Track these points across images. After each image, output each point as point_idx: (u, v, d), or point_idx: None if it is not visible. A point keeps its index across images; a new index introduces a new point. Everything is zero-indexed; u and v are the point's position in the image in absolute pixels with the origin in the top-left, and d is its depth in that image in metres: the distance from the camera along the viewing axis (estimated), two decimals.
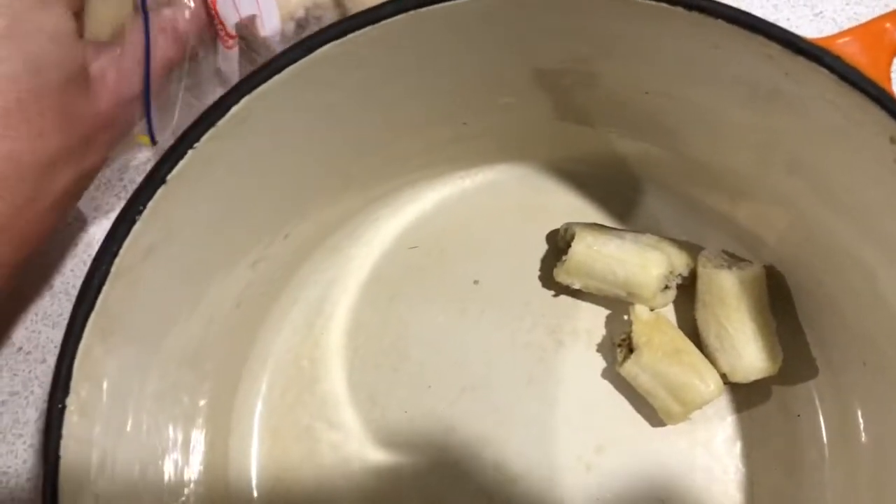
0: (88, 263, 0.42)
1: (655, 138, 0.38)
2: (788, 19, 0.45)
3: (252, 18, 0.36)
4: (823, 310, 0.37)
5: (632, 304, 0.38)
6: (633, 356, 0.37)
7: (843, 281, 0.35)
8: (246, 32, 0.36)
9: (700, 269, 0.38)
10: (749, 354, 0.36)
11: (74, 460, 0.27)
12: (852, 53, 0.27)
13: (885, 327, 0.33)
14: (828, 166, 0.31)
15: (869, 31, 0.27)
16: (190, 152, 0.27)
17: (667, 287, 0.38)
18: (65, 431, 0.26)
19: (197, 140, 0.27)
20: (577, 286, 0.39)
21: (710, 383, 0.36)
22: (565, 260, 0.38)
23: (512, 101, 0.36)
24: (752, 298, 0.37)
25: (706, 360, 0.37)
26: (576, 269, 0.38)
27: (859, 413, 0.37)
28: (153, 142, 0.37)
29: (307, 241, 0.39)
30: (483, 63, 0.33)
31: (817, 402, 0.38)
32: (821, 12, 0.45)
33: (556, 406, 0.39)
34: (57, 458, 0.25)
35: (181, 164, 0.27)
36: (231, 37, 0.36)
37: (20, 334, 0.43)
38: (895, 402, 0.35)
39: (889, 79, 0.27)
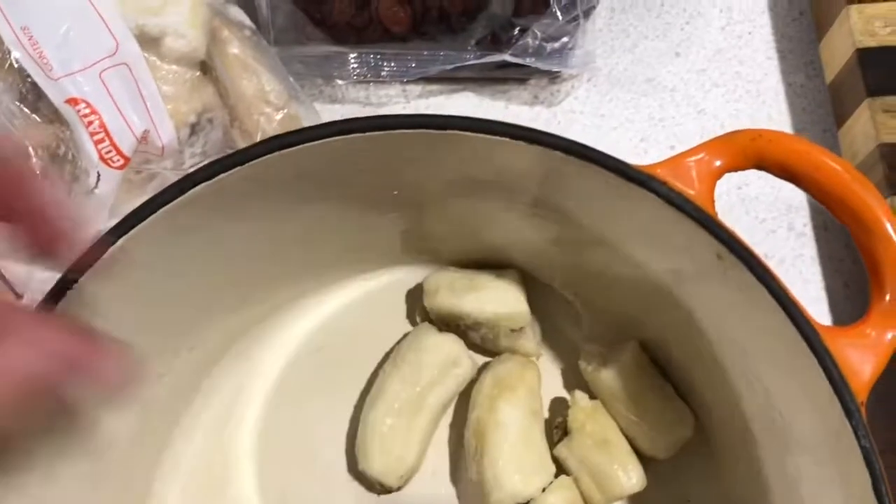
0: None
1: (534, 244, 0.41)
2: (673, 117, 0.48)
3: (146, 133, 0.38)
4: (695, 393, 0.39)
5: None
6: (565, 440, 0.39)
7: (707, 365, 0.37)
8: (139, 148, 0.39)
9: (586, 375, 0.40)
10: (661, 431, 0.39)
11: None
12: (679, 179, 0.30)
13: (750, 410, 0.36)
14: (676, 269, 0.33)
15: (690, 158, 0.30)
16: (69, 292, 0.29)
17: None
18: None
19: (75, 281, 0.29)
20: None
21: (632, 476, 0.38)
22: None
23: (400, 215, 0.38)
24: (639, 380, 0.39)
25: (633, 455, 0.39)
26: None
27: (741, 498, 0.39)
28: (17, 295, 0.39)
29: (213, 350, 0.41)
30: (357, 190, 0.35)
31: (706, 487, 0.40)
32: (703, 110, 0.48)
33: (457, 499, 0.41)
34: None
35: (62, 303, 0.29)
36: (125, 157, 0.38)
37: None
38: (776, 482, 0.37)
39: (712, 202, 0.30)
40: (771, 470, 0.36)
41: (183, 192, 0.30)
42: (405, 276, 0.44)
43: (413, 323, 0.44)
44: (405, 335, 0.43)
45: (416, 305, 0.44)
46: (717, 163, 0.30)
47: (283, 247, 0.39)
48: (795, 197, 0.46)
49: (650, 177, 0.29)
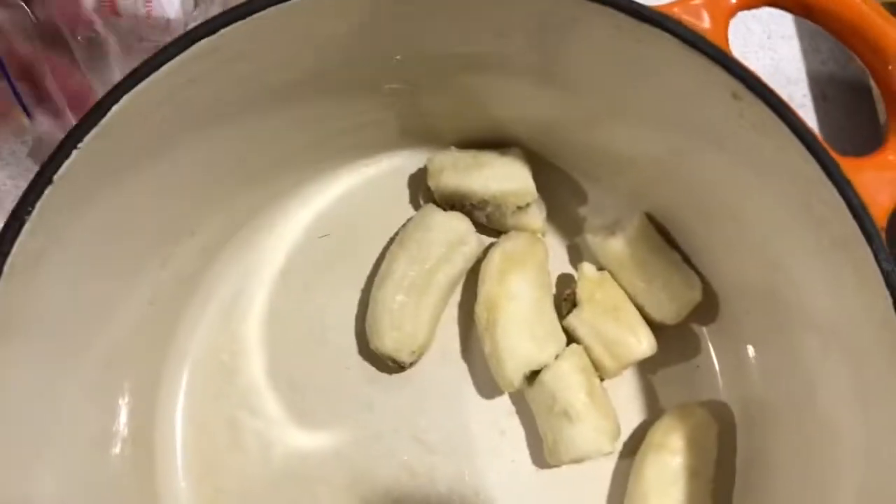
0: None
1: (539, 119, 0.40)
2: None
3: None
4: (706, 259, 0.40)
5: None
6: (575, 310, 0.39)
7: (719, 234, 0.37)
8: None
9: (594, 247, 0.40)
10: (670, 296, 0.39)
11: None
12: (693, 18, 0.29)
13: (758, 275, 0.36)
14: (686, 127, 0.33)
15: None
16: (75, 152, 0.28)
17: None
18: None
19: (80, 140, 0.28)
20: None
21: (642, 341, 0.38)
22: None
23: (399, 87, 0.38)
24: (646, 248, 0.39)
25: (643, 321, 0.39)
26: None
27: (750, 360, 0.39)
28: (28, 115, 0.38)
29: (216, 236, 0.41)
30: (366, 50, 0.34)
31: (712, 352, 0.41)
32: None
33: (469, 375, 0.41)
34: None
35: (67, 163, 0.28)
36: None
37: None
38: (780, 347, 0.37)
39: (727, 40, 0.29)
40: (777, 331, 0.37)
41: (186, 46, 0.29)
42: (405, 161, 0.44)
43: (416, 207, 0.43)
44: (410, 219, 0.42)
45: (419, 190, 0.44)
46: (732, 0, 0.29)
47: (281, 131, 0.38)
48: (794, 69, 0.46)
49: (664, 16, 0.29)
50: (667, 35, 0.29)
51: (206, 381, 0.41)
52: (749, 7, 0.29)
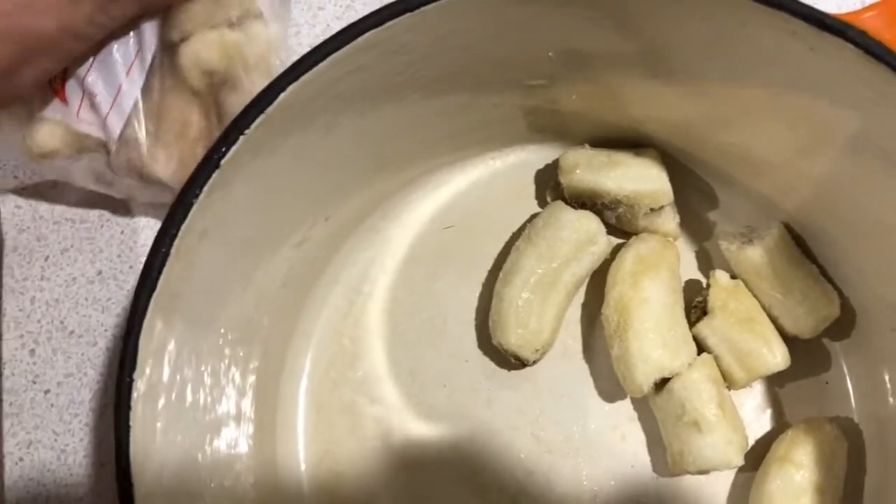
0: (134, 250, 0.45)
1: (675, 119, 0.39)
2: None
3: None
4: (847, 272, 0.38)
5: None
6: (706, 318, 0.38)
7: (867, 246, 0.36)
8: None
9: (727, 254, 0.39)
10: (807, 310, 0.38)
11: (142, 433, 0.28)
12: (876, 28, 0.28)
13: None
14: (844, 136, 0.32)
15: (890, 6, 0.28)
16: (241, 138, 0.29)
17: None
18: (133, 404, 0.27)
19: (248, 126, 0.29)
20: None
21: (777, 354, 0.37)
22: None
23: (541, 83, 0.37)
24: (785, 259, 0.38)
25: (777, 333, 0.38)
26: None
27: (887, 379, 0.38)
28: None
29: (346, 222, 0.41)
30: (513, 45, 0.34)
31: (845, 368, 0.39)
32: None
33: (591, 377, 0.41)
34: (128, 428, 0.27)
35: (233, 149, 0.29)
36: None
37: (72, 319, 0.45)
38: None
39: None
40: None
41: (350, 39, 0.29)
42: (532, 157, 0.43)
43: (541, 203, 0.43)
44: (533, 215, 0.42)
45: (545, 186, 0.43)
46: None
47: (419, 122, 0.38)
48: None
49: (847, 25, 0.28)
50: (848, 45, 0.28)
51: (327, 365, 0.41)
52: None
